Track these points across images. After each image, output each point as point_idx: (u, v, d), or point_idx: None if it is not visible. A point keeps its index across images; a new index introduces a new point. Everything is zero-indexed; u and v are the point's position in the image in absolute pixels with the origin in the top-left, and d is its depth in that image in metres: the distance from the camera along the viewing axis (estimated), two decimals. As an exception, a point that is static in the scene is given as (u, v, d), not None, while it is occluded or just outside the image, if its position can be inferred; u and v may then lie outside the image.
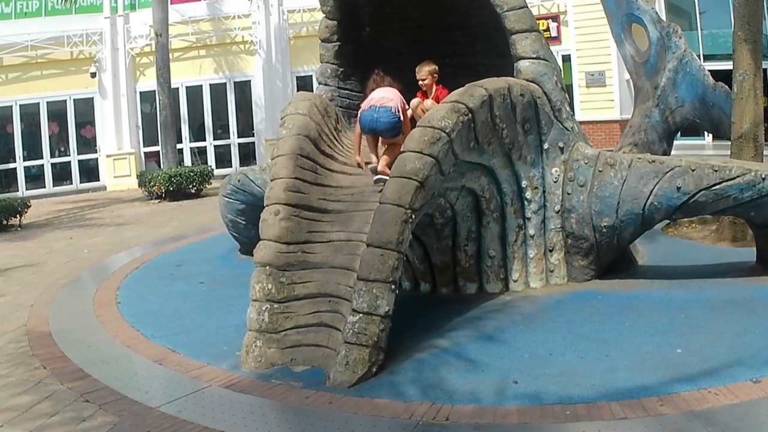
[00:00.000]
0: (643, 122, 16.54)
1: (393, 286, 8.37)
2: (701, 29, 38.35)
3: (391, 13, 12.18)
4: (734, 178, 10.39)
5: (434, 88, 11.13)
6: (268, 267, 8.96)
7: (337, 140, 10.78)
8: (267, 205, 9.34)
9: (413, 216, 8.63)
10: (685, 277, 11.47)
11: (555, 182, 11.08)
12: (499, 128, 10.05)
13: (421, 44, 12.40)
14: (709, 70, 16.20)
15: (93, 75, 37.29)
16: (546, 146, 10.96)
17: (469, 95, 9.44)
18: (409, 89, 11.77)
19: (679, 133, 17.43)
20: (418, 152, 8.75)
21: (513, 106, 10.22)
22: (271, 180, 9.59)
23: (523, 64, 10.85)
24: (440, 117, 9.04)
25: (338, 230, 9.33)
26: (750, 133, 13.44)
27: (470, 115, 9.32)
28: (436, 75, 11.15)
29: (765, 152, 13.96)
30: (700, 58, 17.46)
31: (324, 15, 11.80)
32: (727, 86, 15.02)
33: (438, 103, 10.30)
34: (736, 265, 11.99)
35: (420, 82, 11.20)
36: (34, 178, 37.30)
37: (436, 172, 8.84)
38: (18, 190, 35.87)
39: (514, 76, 10.83)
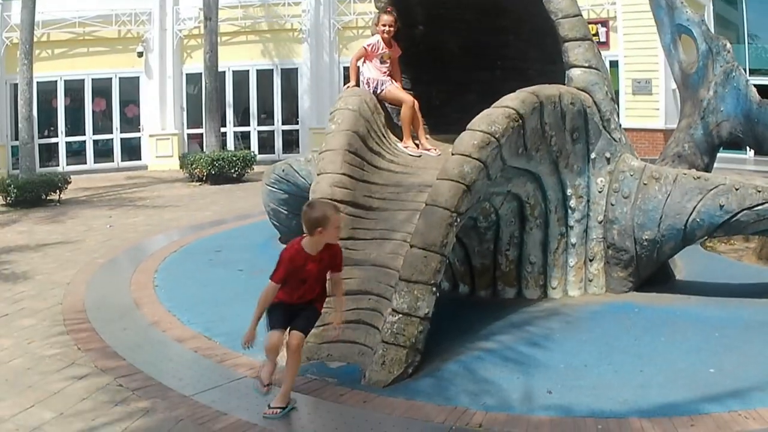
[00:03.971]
0: (687, 134, 16.43)
1: (434, 289, 8.36)
2: (748, 43, 38.13)
3: (444, 13, 12.15)
4: (778, 200, 10.36)
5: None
6: (310, 261, 8.95)
7: (385, 137, 10.80)
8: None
9: (458, 219, 8.60)
10: (722, 295, 11.38)
11: (600, 192, 11.03)
12: (548, 135, 10.02)
13: (473, 46, 12.38)
14: (755, 85, 16.04)
15: (140, 54, 37.38)
16: (593, 156, 10.91)
17: (520, 101, 9.40)
18: (459, 89, 11.80)
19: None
20: (466, 156, 8.71)
21: (563, 114, 10.18)
22: (318, 175, 9.61)
23: (574, 73, 10.79)
24: (491, 121, 9.00)
25: (382, 228, 9.37)
26: (794, 154, 13.37)
27: (521, 121, 9.29)
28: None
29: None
30: (746, 72, 17.28)
31: (378, 10, 11.79)
32: (772, 103, 14.90)
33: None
34: (773, 286, 11.94)
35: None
36: (76, 153, 37.45)
37: (483, 177, 8.81)
38: (59, 165, 36.06)
39: (565, 84, 10.80)
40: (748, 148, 29.14)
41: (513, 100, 9.40)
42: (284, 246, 7.65)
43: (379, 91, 11.28)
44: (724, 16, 39.23)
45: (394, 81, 11.52)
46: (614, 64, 33.76)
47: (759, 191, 10.42)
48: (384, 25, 11.37)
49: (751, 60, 37.29)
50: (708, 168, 16.19)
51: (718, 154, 17.19)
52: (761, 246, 13.93)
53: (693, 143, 16.25)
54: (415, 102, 11.32)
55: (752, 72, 34.84)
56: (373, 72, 11.42)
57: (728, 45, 16.06)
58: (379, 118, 10.87)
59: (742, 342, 9.28)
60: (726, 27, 38.62)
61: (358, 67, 11.62)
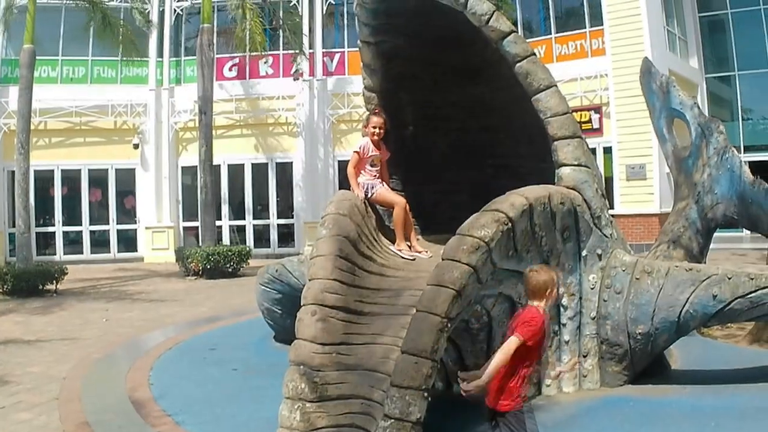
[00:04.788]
0: (682, 218, 16.48)
1: (426, 394, 8.30)
2: (743, 119, 38.38)
3: (434, 113, 12.28)
4: (770, 286, 10.45)
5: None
6: (302, 366, 8.92)
7: (376, 240, 10.85)
8: (304, 305, 9.36)
9: (449, 325, 8.56)
10: (717, 382, 11.43)
11: (592, 289, 11.08)
12: (538, 236, 10.08)
13: (463, 145, 12.46)
14: (750, 161, 16.13)
15: (136, 146, 37.78)
16: (584, 253, 10.97)
17: (509, 204, 9.45)
18: (450, 189, 11.86)
19: (717, 225, 17.39)
20: (456, 261, 8.76)
21: (553, 215, 10.25)
22: (309, 280, 9.63)
23: (564, 171, 10.89)
24: (480, 226, 9.05)
25: (373, 333, 9.32)
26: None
27: (510, 224, 9.31)
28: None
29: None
30: (740, 150, 17.41)
31: (368, 112, 11.91)
32: (766, 183, 14.95)
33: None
34: (768, 369, 11.99)
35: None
36: (72, 242, 37.79)
37: (473, 281, 8.81)
38: (55, 254, 36.29)
39: (555, 182, 10.89)
40: (743, 226, 29.22)
41: (502, 204, 9.45)
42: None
43: (370, 195, 11.36)
44: (717, 93, 39.57)
45: (383, 183, 11.60)
46: (608, 150, 34.02)
47: (752, 279, 10.55)
48: (374, 127, 11.46)
49: (746, 136, 37.54)
50: (704, 250, 16.25)
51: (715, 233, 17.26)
52: (757, 329, 13.95)
53: (688, 227, 16.28)
54: (406, 204, 11.41)
55: (747, 149, 35.14)
56: (363, 176, 11.51)
57: (721, 126, 16.14)
58: (370, 221, 10.94)
59: (737, 430, 9.33)
60: (720, 105, 38.98)
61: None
